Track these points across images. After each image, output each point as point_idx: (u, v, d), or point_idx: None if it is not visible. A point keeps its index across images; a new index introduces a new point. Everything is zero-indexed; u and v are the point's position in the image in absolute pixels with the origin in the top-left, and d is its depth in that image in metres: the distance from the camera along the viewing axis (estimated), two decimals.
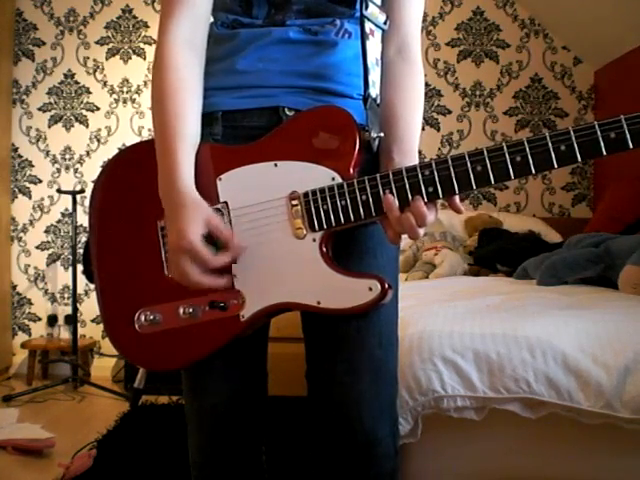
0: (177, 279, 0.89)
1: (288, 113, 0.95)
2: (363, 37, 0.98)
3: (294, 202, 0.89)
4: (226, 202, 0.92)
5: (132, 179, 1.00)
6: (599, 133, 0.77)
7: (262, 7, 0.96)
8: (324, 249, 0.88)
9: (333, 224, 0.87)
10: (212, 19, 1.01)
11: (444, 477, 1.43)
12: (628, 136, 0.76)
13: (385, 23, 1.01)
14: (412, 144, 0.96)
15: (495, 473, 1.41)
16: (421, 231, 0.85)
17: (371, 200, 0.86)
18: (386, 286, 0.85)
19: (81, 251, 3.58)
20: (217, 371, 0.99)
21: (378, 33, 1.01)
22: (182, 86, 0.91)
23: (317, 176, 0.89)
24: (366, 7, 0.97)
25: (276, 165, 0.91)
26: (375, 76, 1.00)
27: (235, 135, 0.96)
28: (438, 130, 3.60)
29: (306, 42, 0.96)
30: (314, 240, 0.88)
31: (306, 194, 0.89)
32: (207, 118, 0.96)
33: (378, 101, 1.02)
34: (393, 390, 0.97)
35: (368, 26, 0.98)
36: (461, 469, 1.43)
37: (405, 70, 1.01)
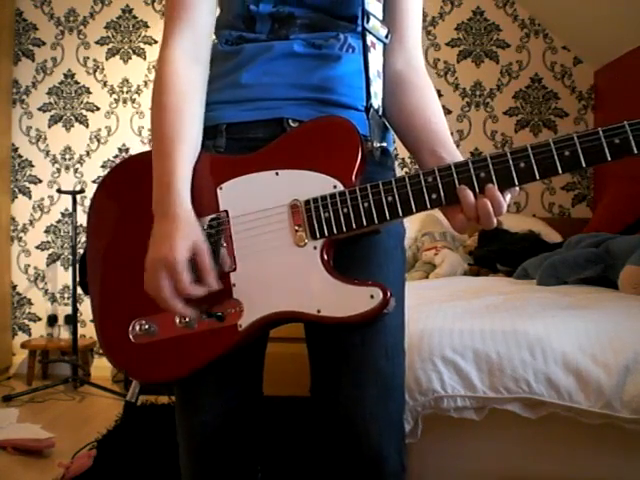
0: (149, 291, 0.87)
1: (292, 124, 0.95)
2: (365, 50, 0.99)
3: (295, 210, 0.89)
4: (226, 211, 0.92)
5: (130, 191, 0.99)
6: (603, 139, 0.77)
7: (265, 23, 0.98)
8: (325, 257, 0.87)
9: (334, 231, 0.87)
10: (215, 38, 1.01)
11: (444, 477, 1.43)
12: (632, 142, 0.76)
13: (386, 37, 1.03)
14: (453, 145, 0.98)
15: (495, 473, 1.41)
16: (495, 220, 0.84)
17: (373, 207, 0.85)
18: (388, 294, 0.84)
19: (81, 251, 3.59)
20: (210, 386, 0.97)
21: (379, 46, 1.03)
22: (183, 98, 0.91)
23: (319, 184, 0.88)
24: (367, 21, 0.99)
25: (277, 174, 0.91)
26: (377, 87, 1.01)
27: (239, 147, 0.96)
28: None
29: (310, 56, 0.97)
30: (315, 248, 0.87)
31: (307, 202, 0.88)
32: (211, 131, 0.96)
33: (380, 112, 1.03)
34: (400, 404, 0.95)
35: (370, 39, 1.00)
36: (461, 469, 1.43)
37: (423, 82, 1.04)
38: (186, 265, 0.84)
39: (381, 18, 1.02)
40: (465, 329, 1.42)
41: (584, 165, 0.79)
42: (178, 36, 0.94)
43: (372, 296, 0.84)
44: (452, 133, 3.63)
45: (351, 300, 0.85)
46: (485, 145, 3.57)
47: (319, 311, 0.86)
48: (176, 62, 0.93)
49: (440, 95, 3.58)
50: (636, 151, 0.76)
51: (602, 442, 1.36)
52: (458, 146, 3.54)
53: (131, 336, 0.94)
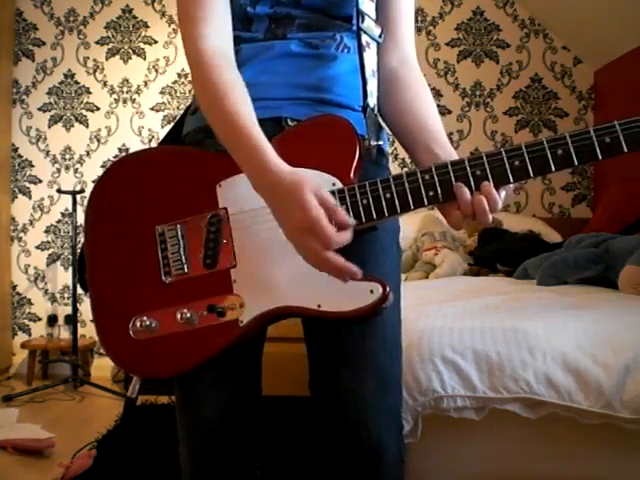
0: (309, 262, 0.82)
1: (290, 124, 0.96)
2: (360, 49, 1.00)
3: None
4: (225, 208, 0.92)
5: (127, 189, 1.00)
6: (594, 138, 0.79)
7: (262, 22, 0.98)
8: None
9: None
10: None
11: (444, 477, 1.43)
12: (623, 141, 0.78)
13: (380, 36, 1.05)
14: (447, 142, 0.99)
15: (495, 473, 1.41)
16: (490, 217, 0.84)
17: (372, 204, 0.86)
18: (387, 289, 0.85)
19: None
20: (209, 381, 0.97)
21: (374, 45, 1.05)
22: (231, 88, 0.89)
23: (317, 182, 0.88)
24: (362, 21, 1.00)
25: None
26: (372, 86, 1.03)
27: None
28: None
29: (307, 55, 0.98)
30: None
31: None
32: (210, 130, 0.95)
33: (376, 110, 1.04)
34: (398, 398, 0.96)
35: (364, 38, 1.01)
36: (461, 469, 1.43)
37: (416, 80, 1.06)
38: (325, 217, 0.79)
39: (374, 18, 1.04)
40: (465, 329, 1.42)
41: (576, 163, 0.81)
42: (203, 31, 0.91)
43: (372, 291, 0.86)
44: (452, 133, 3.66)
45: (351, 295, 0.86)
46: (485, 145, 3.57)
47: (319, 306, 0.87)
48: (210, 53, 0.90)
49: (440, 95, 3.58)
50: (626, 149, 0.79)
51: (602, 442, 1.35)
52: (458, 146, 3.55)
53: (131, 332, 0.94)
